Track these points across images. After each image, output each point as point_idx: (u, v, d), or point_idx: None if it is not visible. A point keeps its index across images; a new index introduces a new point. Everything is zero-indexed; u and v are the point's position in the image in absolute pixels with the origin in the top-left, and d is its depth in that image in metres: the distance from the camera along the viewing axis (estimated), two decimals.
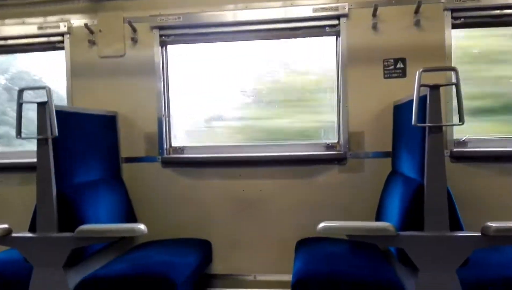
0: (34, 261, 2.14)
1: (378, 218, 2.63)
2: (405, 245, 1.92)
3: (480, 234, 1.85)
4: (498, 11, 2.70)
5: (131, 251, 2.70)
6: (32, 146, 2.32)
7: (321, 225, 1.96)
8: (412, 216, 2.00)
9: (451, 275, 1.87)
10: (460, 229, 1.95)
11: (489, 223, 1.82)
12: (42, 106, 2.14)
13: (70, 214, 2.23)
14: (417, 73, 1.91)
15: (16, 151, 3.15)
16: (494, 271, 2.11)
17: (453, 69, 1.92)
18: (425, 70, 1.92)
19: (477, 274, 2.04)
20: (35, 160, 2.18)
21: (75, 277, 2.23)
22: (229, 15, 2.87)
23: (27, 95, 2.22)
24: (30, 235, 2.16)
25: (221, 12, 2.88)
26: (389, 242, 1.98)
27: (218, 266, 2.94)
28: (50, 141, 2.16)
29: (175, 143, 3.06)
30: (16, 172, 3.05)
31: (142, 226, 2.06)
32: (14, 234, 2.15)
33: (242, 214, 2.92)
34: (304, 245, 2.66)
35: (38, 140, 2.15)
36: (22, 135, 2.17)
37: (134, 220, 2.92)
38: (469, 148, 2.75)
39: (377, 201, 2.70)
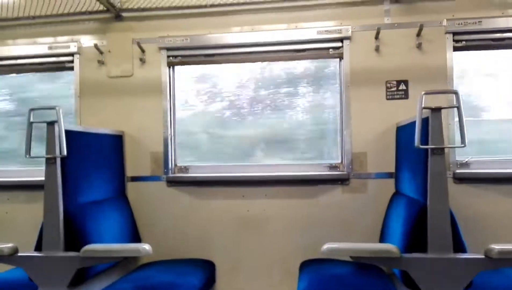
0: (39, 281, 2.15)
1: (382, 239, 2.63)
2: (408, 267, 1.93)
3: (483, 256, 1.85)
4: (499, 35, 2.74)
5: (135, 271, 2.70)
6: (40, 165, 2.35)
7: (325, 246, 1.97)
8: (416, 238, 2.01)
9: None
10: (464, 251, 1.96)
11: (493, 245, 1.83)
12: (51, 126, 2.18)
13: (76, 233, 2.25)
14: (419, 96, 1.94)
15: (24, 170, 3.18)
16: None
17: (455, 92, 1.95)
18: (427, 93, 1.96)
19: None
20: (42, 178, 2.21)
21: None
22: (235, 37, 2.93)
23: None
24: (36, 254, 2.18)
25: (227, 34, 2.94)
26: (393, 264, 1.99)
27: (221, 287, 2.93)
28: (58, 161, 2.19)
29: (180, 162, 3.09)
30: (24, 190, 3.08)
31: (147, 246, 2.07)
32: (20, 253, 2.16)
33: (245, 234, 2.92)
34: (308, 266, 2.66)
35: (47, 159, 2.19)
36: (32, 154, 2.20)
37: (138, 239, 2.93)
38: (472, 169, 2.76)
39: (380, 221, 2.70)
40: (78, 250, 2.12)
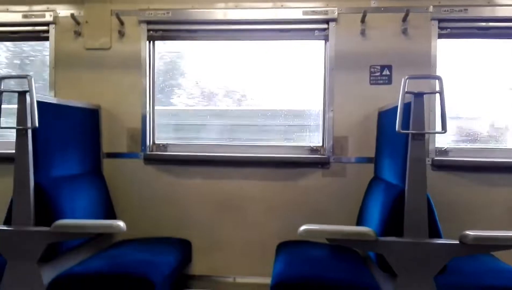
0: (8, 255, 2.08)
1: (359, 223, 2.64)
2: (384, 250, 1.94)
3: (458, 242, 1.87)
4: (484, 23, 2.75)
5: (109, 249, 2.65)
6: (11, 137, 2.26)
7: (302, 228, 1.96)
8: (392, 222, 2.02)
9: (429, 282, 1.89)
10: (439, 236, 1.98)
11: (467, 232, 1.85)
12: (23, 96, 2.09)
13: (47, 208, 2.18)
14: (403, 80, 1.93)
15: None
16: (471, 279, 2.14)
17: (438, 78, 1.94)
18: (411, 78, 1.94)
19: (454, 282, 2.07)
20: (13, 151, 2.12)
21: (50, 272, 2.18)
22: (219, 14, 2.85)
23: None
24: (4, 227, 2.11)
25: (211, 10, 2.86)
26: (368, 247, 1.99)
27: (197, 267, 2.91)
28: (29, 132, 2.11)
29: (159, 139, 3.02)
30: None
31: (120, 223, 2.03)
32: None
33: (223, 214, 2.90)
34: (285, 248, 2.66)
35: (17, 131, 2.10)
36: (1, 124, 2.11)
37: (113, 217, 2.87)
38: (450, 157, 2.79)
39: (358, 206, 2.71)
40: (49, 225, 2.05)
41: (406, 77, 1.93)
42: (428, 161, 2.70)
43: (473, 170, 2.74)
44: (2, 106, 2.08)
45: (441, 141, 2.80)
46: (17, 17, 2.97)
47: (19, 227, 2.09)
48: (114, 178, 2.93)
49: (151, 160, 2.93)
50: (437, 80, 1.93)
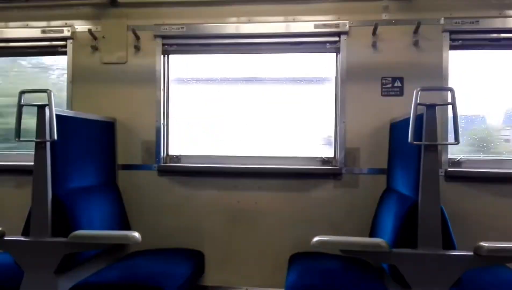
0: (25, 266, 2.12)
1: (372, 235, 2.63)
2: (397, 262, 1.93)
3: (472, 254, 1.86)
4: (495, 35, 2.75)
5: (123, 259, 2.68)
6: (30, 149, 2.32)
7: (315, 239, 1.97)
8: (406, 234, 2.01)
9: None
10: (453, 248, 1.96)
11: (482, 243, 1.84)
12: (42, 109, 2.15)
13: (64, 219, 2.22)
14: (415, 91, 1.94)
15: (13, 154, 3.14)
16: None
17: (450, 90, 1.95)
18: (423, 89, 1.96)
19: None
20: (31, 163, 2.18)
21: (66, 283, 2.21)
22: (231, 28, 2.91)
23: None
24: (22, 238, 2.15)
25: (224, 24, 2.91)
26: (382, 259, 1.99)
27: (210, 278, 2.92)
28: (48, 145, 2.16)
29: (172, 151, 3.06)
30: (13, 174, 3.04)
31: (136, 234, 2.06)
32: (6, 237, 2.13)
33: (236, 225, 2.91)
34: (298, 259, 2.66)
35: (36, 143, 2.15)
36: (21, 137, 2.17)
37: (127, 227, 2.91)
38: (464, 168, 2.78)
39: (371, 217, 2.71)
40: (66, 236, 2.09)
41: (418, 89, 1.95)
42: (441, 172, 2.69)
43: (486, 181, 2.71)
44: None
45: (455, 152, 2.79)
46: (36, 33, 3.06)
47: (37, 238, 2.13)
48: (129, 190, 2.97)
49: (165, 171, 2.97)
50: (449, 92, 1.94)
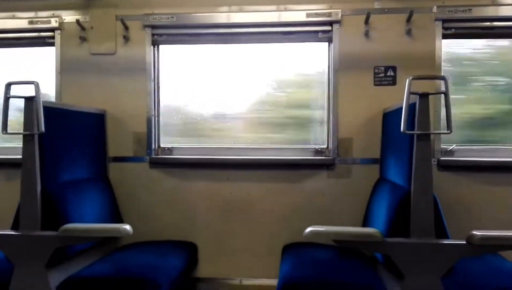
0: (16, 260, 2.09)
1: (365, 224, 2.64)
2: (390, 251, 1.93)
3: (465, 242, 1.86)
4: (488, 23, 2.74)
5: (115, 252, 2.66)
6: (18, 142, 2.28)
7: (308, 229, 1.96)
8: (399, 223, 2.01)
9: (436, 282, 1.88)
10: (446, 237, 1.97)
11: (475, 232, 1.84)
12: (29, 101, 2.11)
13: (54, 212, 2.19)
14: (407, 80, 1.93)
15: (1, 147, 3.09)
16: (479, 280, 2.13)
17: (443, 78, 1.94)
18: (415, 78, 1.94)
19: (461, 283, 2.06)
20: (20, 156, 2.14)
21: (57, 277, 2.19)
22: (223, 17, 2.87)
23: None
24: (12, 232, 2.12)
25: (214, 14, 2.87)
26: (375, 248, 1.99)
27: (204, 269, 2.92)
28: (36, 137, 2.13)
29: (164, 143, 3.03)
30: (2, 168, 2.99)
31: (127, 227, 2.03)
32: None
33: (229, 217, 2.90)
34: (291, 249, 2.66)
35: (24, 136, 2.12)
36: (8, 130, 2.13)
37: (119, 220, 2.88)
38: (456, 157, 2.78)
39: (364, 207, 2.71)
40: (56, 229, 2.07)
41: (411, 77, 1.93)
42: (434, 161, 2.70)
43: (479, 170, 2.72)
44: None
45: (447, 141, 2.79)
46: (23, 23, 3.00)
47: (27, 232, 2.10)
48: (120, 182, 2.94)
49: (156, 163, 2.94)
50: (442, 81, 1.93)
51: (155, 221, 2.93)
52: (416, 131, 1.91)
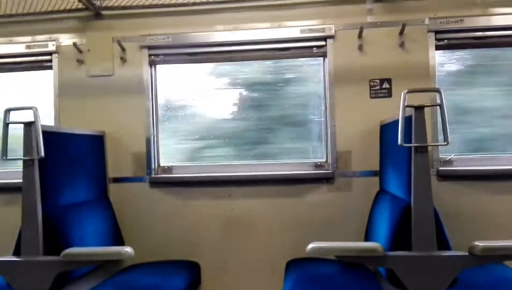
0: (18, 286, 2.08)
1: (367, 238, 2.63)
2: (393, 265, 1.92)
3: (467, 254, 1.86)
4: (480, 33, 2.77)
5: (118, 275, 2.65)
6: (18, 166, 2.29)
7: (310, 246, 1.95)
8: (400, 236, 2.01)
9: None
10: (448, 248, 1.97)
11: (476, 243, 1.84)
12: (28, 127, 2.12)
13: (56, 237, 2.19)
14: (402, 94, 1.95)
15: (1, 172, 3.09)
16: None
17: (437, 91, 1.96)
18: (410, 92, 1.96)
19: None
20: (20, 180, 2.15)
21: None
22: (218, 36, 2.90)
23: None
24: (14, 258, 2.11)
25: (210, 33, 2.90)
26: (377, 263, 1.98)
27: (207, 288, 2.89)
28: (36, 162, 2.13)
29: (164, 162, 3.04)
30: (1, 193, 2.99)
31: (129, 249, 2.03)
32: None
33: (231, 234, 2.89)
34: (294, 266, 2.64)
35: (24, 161, 2.12)
36: (8, 156, 2.13)
37: (121, 241, 2.87)
38: (455, 166, 2.78)
39: (365, 219, 2.70)
40: (58, 254, 2.06)
41: (406, 91, 1.95)
42: (433, 171, 2.70)
43: (479, 179, 2.73)
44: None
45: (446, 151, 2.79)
46: (20, 48, 3.03)
47: (29, 257, 2.09)
48: (121, 203, 2.94)
49: (156, 183, 2.94)
50: (437, 93, 1.95)
51: (157, 241, 2.92)
52: (413, 144, 1.93)
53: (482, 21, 2.75)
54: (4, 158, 2.13)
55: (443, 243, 1.96)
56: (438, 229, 1.94)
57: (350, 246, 1.98)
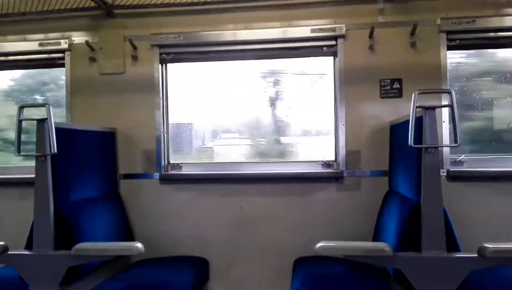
0: (30, 279, 2.12)
1: (375, 238, 2.63)
2: (402, 265, 1.92)
3: (477, 255, 1.85)
4: (492, 34, 2.75)
5: (127, 269, 2.68)
6: (31, 161, 2.32)
7: (319, 245, 1.96)
8: (409, 237, 2.01)
9: None
10: (457, 249, 1.96)
11: (486, 244, 1.83)
12: (41, 123, 2.15)
13: (67, 231, 2.22)
14: (413, 95, 1.94)
15: (14, 166, 3.14)
16: None
17: (448, 92, 1.95)
18: (421, 92, 1.95)
19: None
20: (33, 175, 2.18)
21: None
22: (228, 35, 2.91)
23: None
24: (26, 252, 2.15)
25: (221, 32, 2.92)
26: (386, 263, 1.99)
27: (215, 285, 2.92)
28: (48, 158, 2.17)
29: (173, 159, 3.07)
30: (14, 187, 3.04)
31: (139, 245, 2.05)
32: (10, 252, 2.13)
33: (239, 231, 2.91)
34: (302, 264, 2.65)
35: (37, 157, 2.16)
36: (21, 152, 2.17)
37: (131, 237, 2.91)
38: (466, 167, 2.77)
39: (374, 219, 2.70)
40: (69, 248, 2.09)
41: (417, 92, 1.94)
42: (443, 172, 2.69)
43: (489, 180, 2.71)
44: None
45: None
46: (33, 46, 3.07)
47: (40, 252, 2.13)
48: (131, 199, 2.97)
49: (166, 180, 2.97)
50: (448, 94, 1.94)
51: (166, 237, 2.95)
52: (423, 145, 1.92)
53: (494, 22, 2.72)
54: (17, 154, 2.16)
55: (452, 244, 1.95)
56: (447, 230, 1.94)
57: (358, 246, 1.99)
